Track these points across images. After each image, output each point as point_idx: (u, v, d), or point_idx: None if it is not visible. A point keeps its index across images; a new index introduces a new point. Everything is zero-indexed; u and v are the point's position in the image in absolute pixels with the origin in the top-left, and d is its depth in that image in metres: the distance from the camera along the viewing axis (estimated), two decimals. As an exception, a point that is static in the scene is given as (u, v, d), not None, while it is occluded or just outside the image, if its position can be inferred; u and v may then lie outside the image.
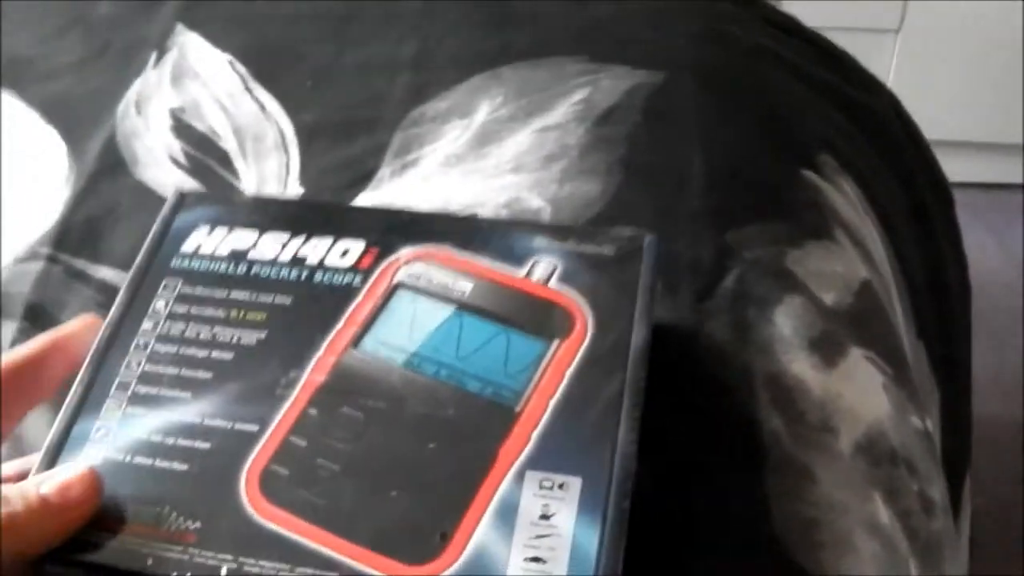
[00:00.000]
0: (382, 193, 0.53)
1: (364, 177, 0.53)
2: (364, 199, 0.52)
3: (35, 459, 0.39)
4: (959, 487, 0.70)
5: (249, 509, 0.37)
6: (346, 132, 0.55)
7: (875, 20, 1.41)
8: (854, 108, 0.68)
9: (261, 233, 0.44)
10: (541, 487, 0.37)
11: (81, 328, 0.41)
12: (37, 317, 0.49)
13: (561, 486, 0.37)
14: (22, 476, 0.39)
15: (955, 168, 0.78)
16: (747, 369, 0.46)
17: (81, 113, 0.58)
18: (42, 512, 0.34)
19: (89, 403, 0.39)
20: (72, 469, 0.36)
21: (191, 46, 0.61)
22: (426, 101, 0.57)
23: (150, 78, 0.59)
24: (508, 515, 0.36)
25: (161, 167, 0.54)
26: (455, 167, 0.53)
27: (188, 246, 0.43)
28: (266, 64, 0.59)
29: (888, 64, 1.43)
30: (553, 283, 0.42)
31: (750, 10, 0.72)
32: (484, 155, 0.54)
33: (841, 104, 0.67)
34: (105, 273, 0.50)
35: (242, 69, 0.59)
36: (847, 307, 0.52)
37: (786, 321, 0.49)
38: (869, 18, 1.40)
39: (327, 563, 0.35)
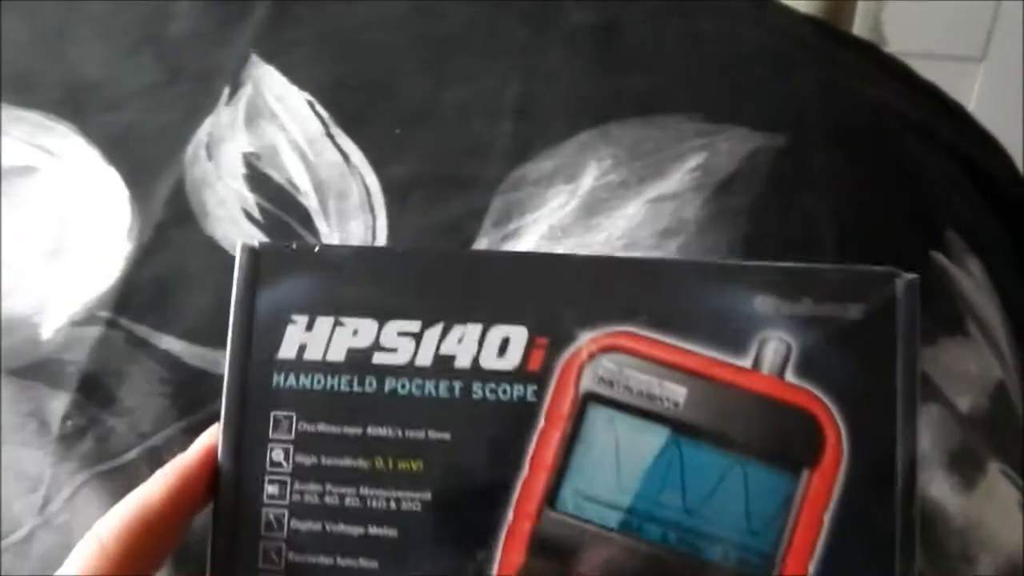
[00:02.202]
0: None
1: (460, 247, 0.48)
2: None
3: None
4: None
5: None
6: (439, 190, 0.50)
7: (958, 47, 1.35)
8: (976, 171, 0.63)
9: (381, 323, 0.33)
10: None
11: (202, 457, 0.34)
12: (94, 390, 0.44)
13: None
14: None
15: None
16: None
17: (147, 153, 0.52)
18: None
19: None
20: None
21: (267, 82, 0.54)
22: (528, 160, 0.51)
23: (222, 117, 0.53)
24: None
25: (234, 222, 0.49)
26: (560, 241, 0.48)
27: (287, 350, 0.33)
28: (351, 105, 0.53)
29: (970, 94, 1.37)
30: (788, 374, 0.32)
31: (869, 59, 0.66)
32: (592, 228, 0.48)
33: (964, 167, 0.62)
34: (171, 344, 0.45)
35: (323, 112, 0.53)
36: (983, 413, 0.47)
37: (924, 432, 0.44)
38: (952, 45, 1.34)
39: None
